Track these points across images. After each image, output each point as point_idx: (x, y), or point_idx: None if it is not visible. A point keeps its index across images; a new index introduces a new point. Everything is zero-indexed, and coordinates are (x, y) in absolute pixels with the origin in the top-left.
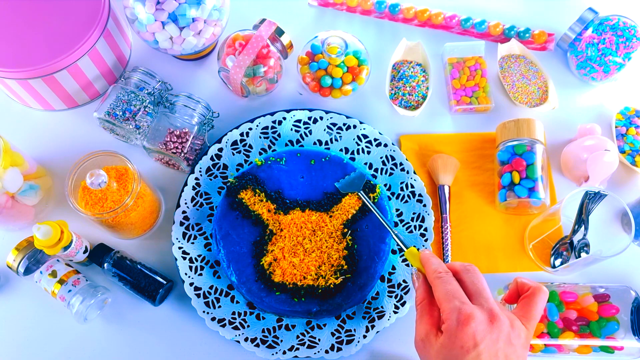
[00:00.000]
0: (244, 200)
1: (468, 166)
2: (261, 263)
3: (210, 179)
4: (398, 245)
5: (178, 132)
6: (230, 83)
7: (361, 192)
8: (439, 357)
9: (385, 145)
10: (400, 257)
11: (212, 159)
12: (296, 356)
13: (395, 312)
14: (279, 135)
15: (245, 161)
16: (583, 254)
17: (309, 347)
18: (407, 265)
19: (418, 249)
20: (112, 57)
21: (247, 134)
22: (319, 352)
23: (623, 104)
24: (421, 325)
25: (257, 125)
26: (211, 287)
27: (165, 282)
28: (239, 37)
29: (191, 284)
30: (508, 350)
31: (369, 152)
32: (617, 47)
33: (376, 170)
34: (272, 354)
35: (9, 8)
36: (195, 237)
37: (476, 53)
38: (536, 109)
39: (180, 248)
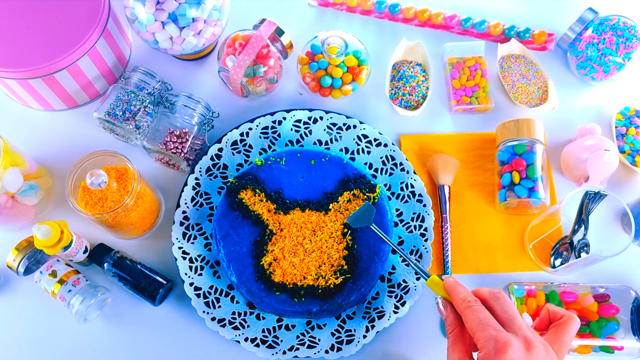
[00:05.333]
0: (244, 200)
1: (468, 166)
2: (261, 263)
3: (210, 179)
4: (418, 274)
5: (178, 132)
6: (230, 83)
7: (373, 224)
8: None
9: (385, 145)
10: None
11: (212, 159)
12: (296, 356)
13: (395, 312)
14: (279, 135)
15: (245, 161)
16: (583, 254)
17: (309, 347)
18: (407, 265)
19: (440, 277)
20: (112, 57)
21: (247, 134)
22: (319, 352)
23: (623, 104)
24: (454, 353)
25: (257, 125)
26: (211, 287)
27: (165, 282)
28: (239, 37)
29: (191, 284)
30: None
31: (369, 152)
32: (617, 47)
33: (376, 170)
34: (272, 354)
35: (9, 8)
36: (195, 237)
37: (476, 53)
38: (536, 109)
39: (180, 248)
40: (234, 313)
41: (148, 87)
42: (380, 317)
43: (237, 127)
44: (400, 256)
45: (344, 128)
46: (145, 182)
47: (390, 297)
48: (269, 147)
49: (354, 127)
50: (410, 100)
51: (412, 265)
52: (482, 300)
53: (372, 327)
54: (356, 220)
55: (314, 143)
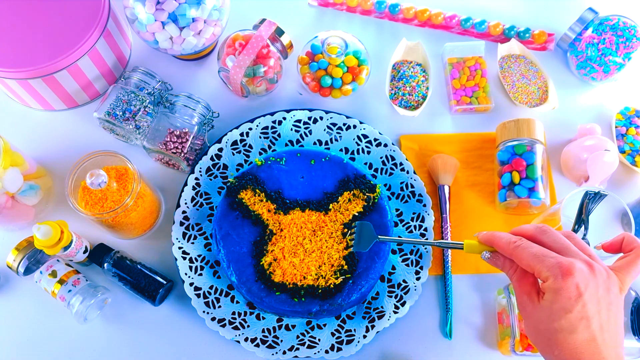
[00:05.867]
0: (244, 200)
1: (468, 166)
2: (261, 263)
3: (210, 179)
4: (452, 247)
5: (178, 132)
6: (230, 83)
7: (378, 237)
8: (544, 316)
9: (385, 145)
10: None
11: (212, 159)
12: (296, 356)
13: (395, 312)
14: (279, 135)
15: (245, 161)
16: None
17: (309, 347)
18: (407, 265)
19: (472, 240)
20: (112, 57)
21: (247, 134)
22: (319, 352)
23: (623, 104)
24: (520, 289)
25: (257, 125)
26: (211, 287)
27: (165, 282)
28: (239, 37)
29: (191, 284)
30: (608, 299)
31: (369, 152)
32: (617, 47)
33: (376, 170)
34: (272, 354)
35: (9, 8)
36: (195, 237)
37: (476, 53)
38: (536, 109)
39: (180, 248)
40: (234, 313)
41: (148, 87)
42: (380, 317)
43: (237, 127)
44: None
45: (344, 128)
46: (145, 182)
47: (390, 297)
48: (269, 147)
49: (354, 127)
50: (410, 100)
51: (439, 245)
52: (529, 238)
53: (372, 327)
54: (361, 245)
55: (314, 143)
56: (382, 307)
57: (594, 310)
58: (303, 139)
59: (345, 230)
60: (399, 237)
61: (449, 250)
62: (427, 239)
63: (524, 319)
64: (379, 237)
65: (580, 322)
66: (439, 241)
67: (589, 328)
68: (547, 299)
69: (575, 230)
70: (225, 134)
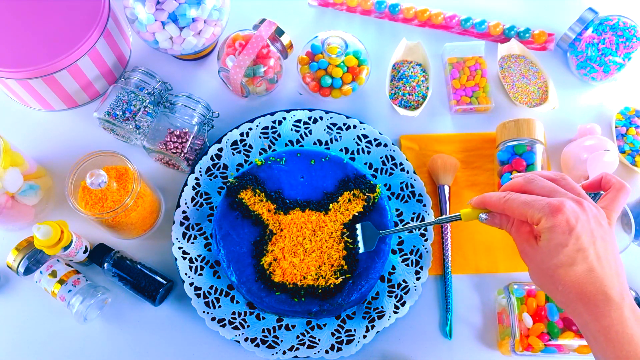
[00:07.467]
0: (244, 200)
1: (468, 166)
2: (261, 263)
3: (210, 179)
4: (450, 221)
5: (178, 132)
6: (230, 83)
7: (380, 232)
8: (544, 255)
9: (385, 145)
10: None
11: (212, 159)
12: (296, 356)
13: (395, 312)
14: (279, 135)
15: (245, 161)
16: None
17: (309, 347)
18: (407, 265)
19: (467, 208)
20: (112, 57)
21: (247, 134)
22: (319, 352)
23: (623, 104)
24: (519, 238)
25: (257, 125)
26: (211, 287)
27: (165, 282)
28: (239, 37)
29: (191, 284)
30: (600, 230)
31: (369, 152)
32: (617, 47)
33: (376, 170)
34: (272, 354)
35: (8, 8)
36: (195, 237)
37: (476, 53)
38: (536, 109)
39: (180, 248)
40: (234, 313)
41: (148, 87)
42: (380, 317)
43: (237, 127)
44: (409, 229)
45: (344, 128)
46: (145, 182)
47: (390, 297)
48: (269, 147)
49: (354, 127)
50: (410, 100)
51: (437, 222)
52: (518, 189)
53: (372, 327)
54: (367, 244)
55: (314, 143)
56: (382, 307)
57: (588, 242)
58: (303, 139)
59: (345, 230)
60: (401, 243)
61: (449, 250)
62: (426, 239)
63: (528, 265)
64: (381, 231)
65: (577, 254)
66: (437, 219)
67: (586, 259)
68: (544, 238)
69: None
70: (225, 134)
